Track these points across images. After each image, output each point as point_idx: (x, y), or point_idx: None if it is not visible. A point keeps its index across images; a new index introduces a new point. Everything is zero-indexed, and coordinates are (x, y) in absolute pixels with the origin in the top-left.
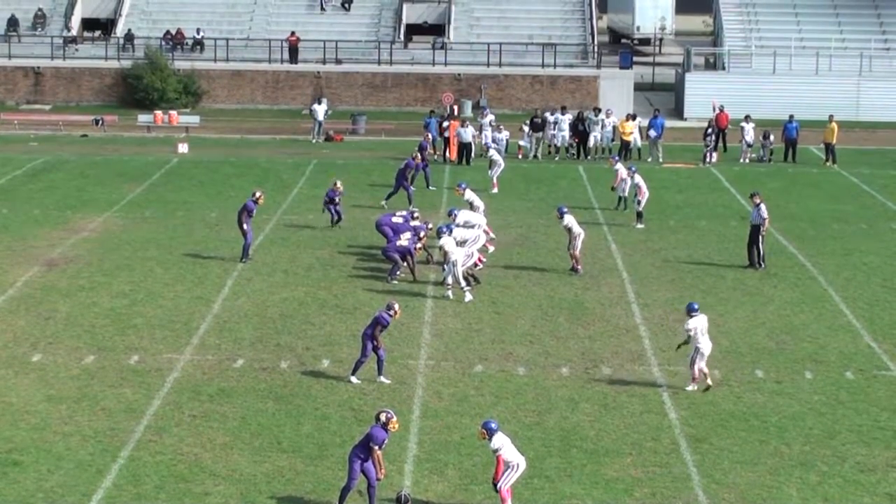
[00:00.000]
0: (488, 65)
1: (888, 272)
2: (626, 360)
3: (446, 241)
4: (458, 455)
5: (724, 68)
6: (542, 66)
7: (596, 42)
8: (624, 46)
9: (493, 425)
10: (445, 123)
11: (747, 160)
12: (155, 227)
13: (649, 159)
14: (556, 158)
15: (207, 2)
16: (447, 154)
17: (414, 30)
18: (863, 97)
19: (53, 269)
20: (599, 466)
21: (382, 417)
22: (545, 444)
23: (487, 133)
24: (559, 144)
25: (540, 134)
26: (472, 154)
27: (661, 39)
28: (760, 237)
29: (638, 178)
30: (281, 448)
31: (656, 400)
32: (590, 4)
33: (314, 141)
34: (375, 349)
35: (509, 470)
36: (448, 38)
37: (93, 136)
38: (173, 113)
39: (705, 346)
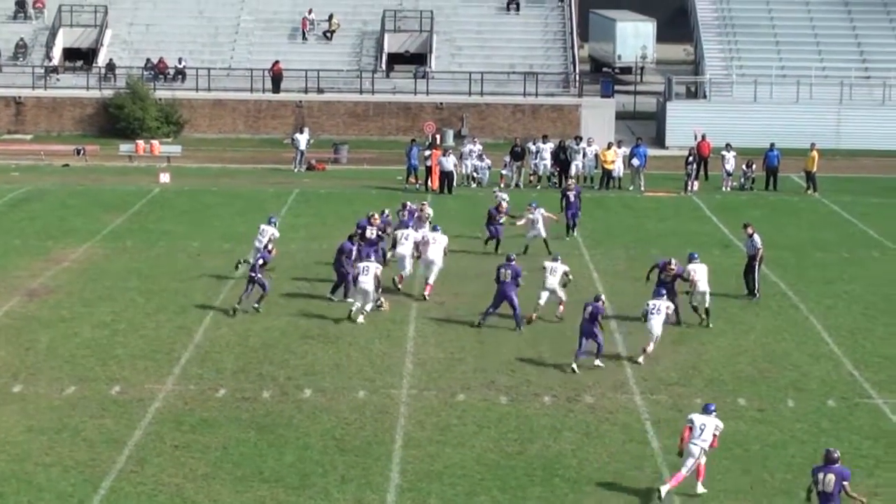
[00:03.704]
0: (470, 93)
1: (870, 300)
2: (609, 389)
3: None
4: (440, 484)
5: (705, 97)
6: (524, 94)
7: (577, 71)
8: (605, 75)
9: (711, 407)
10: (427, 152)
11: (729, 188)
12: (136, 257)
13: (631, 188)
14: (538, 187)
15: (189, 31)
16: (429, 183)
17: (395, 59)
18: (843, 125)
19: (34, 299)
20: (582, 496)
21: (836, 455)
22: (527, 473)
23: (468, 162)
24: (541, 173)
25: (520, 163)
26: (454, 183)
27: (642, 68)
28: (756, 267)
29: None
30: (263, 478)
31: (639, 429)
32: (571, 33)
33: (296, 170)
34: (595, 336)
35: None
36: (430, 67)
37: (74, 166)
38: (155, 142)
39: None
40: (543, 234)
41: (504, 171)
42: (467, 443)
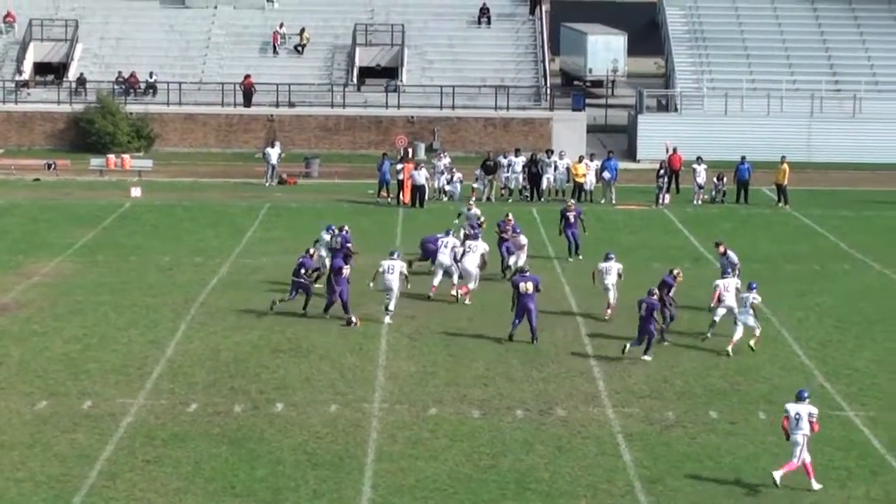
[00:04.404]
0: (441, 107)
1: (841, 313)
2: (581, 402)
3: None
4: (412, 498)
5: (676, 110)
6: (496, 108)
7: (548, 84)
8: (576, 88)
9: (804, 394)
10: (399, 166)
11: (700, 202)
12: (108, 272)
13: (602, 201)
14: (510, 200)
15: (160, 45)
16: (401, 197)
17: (367, 73)
18: (814, 138)
19: (5, 313)
20: None
21: None
22: (500, 487)
23: (444, 177)
24: (512, 187)
25: (492, 176)
26: (426, 196)
27: (613, 81)
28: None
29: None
30: (234, 493)
31: (611, 442)
32: (542, 47)
33: (267, 184)
34: (650, 332)
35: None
36: (401, 80)
37: (45, 181)
38: (126, 157)
39: None
40: (521, 260)
41: (475, 185)
42: (440, 456)
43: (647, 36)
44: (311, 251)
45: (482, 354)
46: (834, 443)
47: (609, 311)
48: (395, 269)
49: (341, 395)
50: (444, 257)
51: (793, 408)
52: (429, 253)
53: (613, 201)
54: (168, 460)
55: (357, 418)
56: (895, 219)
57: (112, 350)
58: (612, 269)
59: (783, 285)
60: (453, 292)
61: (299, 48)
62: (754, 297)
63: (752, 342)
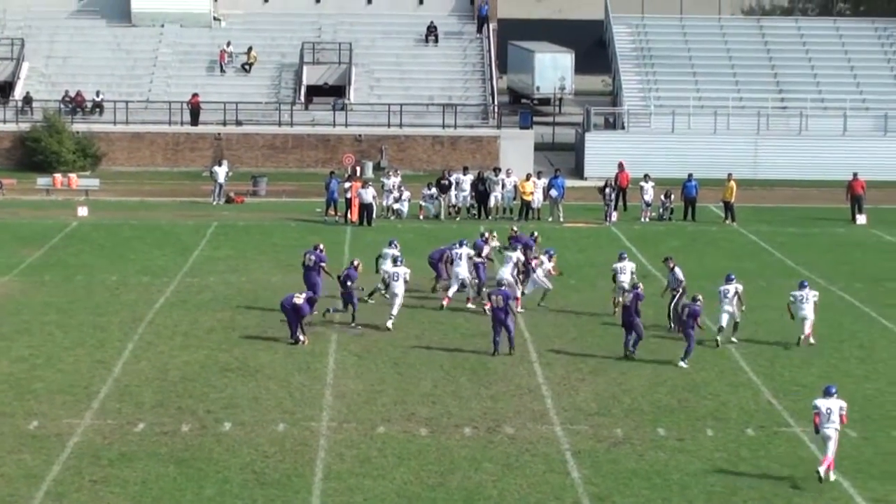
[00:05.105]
0: (389, 125)
1: (787, 329)
2: (529, 420)
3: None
4: None
5: (623, 128)
6: (443, 126)
7: (496, 102)
8: (524, 106)
9: (832, 389)
10: (347, 184)
11: (647, 219)
12: (54, 291)
13: (550, 219)
14: (458, 218)
15: (107, 64)
16: (349, 215)
17: (314, 91)
18: (760, 155)
19: None
20: None
21: None
22: None
23: (389, 195)
24: (460, 205)
25: (445, 195)
26: (374, 215)
27: (560, 99)
28: (675, 298)
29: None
30: None
31: (559, 459)
32: (489, 65)
33: (215, 203)
34: (689, 337)
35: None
36: (348, 99)
37: None
38: (72, 176)
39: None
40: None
41: (423, 203)
42: (388, 475)
43: (595, 54)
44: (356, 262)
45: (430, 372)
46: (781, 459)
47: (617, 308)
48: (399, 276)
49: (289, 414)
50: (462, 269)
51: (823, 403)
52: (435, 266)
53: (561, 219)
54: (115, 480)
55: (305, 437)
56: (841, 235)
57: (59, 370)
58: (627, 269)
59: None
60: (470, 305)
61: (246, 67)
62: (813, 293)
63: (810, 339)
